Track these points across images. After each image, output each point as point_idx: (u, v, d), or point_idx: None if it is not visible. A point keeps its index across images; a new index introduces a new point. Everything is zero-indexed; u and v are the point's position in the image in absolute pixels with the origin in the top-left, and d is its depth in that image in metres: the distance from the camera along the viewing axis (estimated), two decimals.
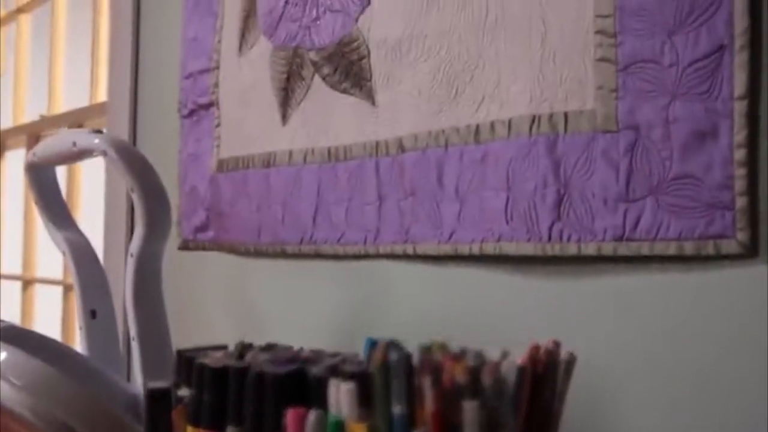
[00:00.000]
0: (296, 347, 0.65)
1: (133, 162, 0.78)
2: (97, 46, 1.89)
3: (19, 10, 2.37)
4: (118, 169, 0.78)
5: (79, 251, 0.95)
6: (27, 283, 2.26)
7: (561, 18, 0.80)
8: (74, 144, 0.82)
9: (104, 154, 0.78)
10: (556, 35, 0.80)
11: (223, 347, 0.61)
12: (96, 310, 0.94)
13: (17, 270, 2.27)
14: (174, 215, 1.36)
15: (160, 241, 0.81)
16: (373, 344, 0.50)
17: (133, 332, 0.82)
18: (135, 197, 0.78)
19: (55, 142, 0.88)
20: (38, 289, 2.24)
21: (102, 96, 1.71)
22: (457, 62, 0.90)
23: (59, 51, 2.15)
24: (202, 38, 1.32)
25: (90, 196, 1.92)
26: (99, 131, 0.81)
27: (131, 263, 0.81)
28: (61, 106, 2.14)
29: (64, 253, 0.96)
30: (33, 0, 2.32)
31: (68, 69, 2.15)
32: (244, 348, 0.59)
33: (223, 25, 1.28)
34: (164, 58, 1.46)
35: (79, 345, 0.95)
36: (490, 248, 0.85)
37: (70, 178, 1.95)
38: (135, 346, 0.82)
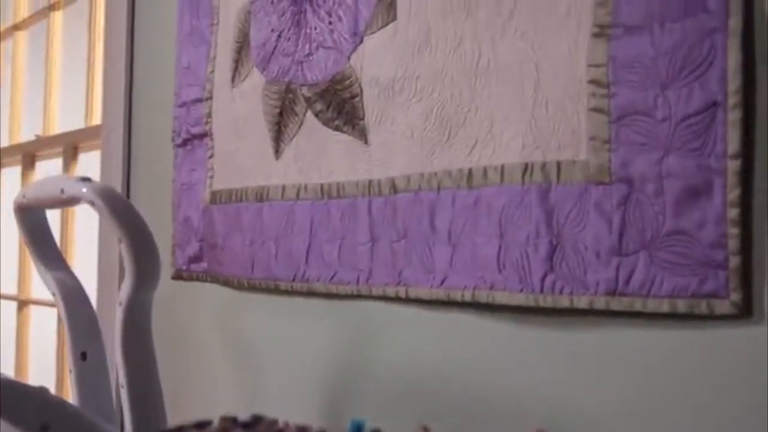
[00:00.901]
0: (282, 420, 0.64)
1: (121, 212, 0.77)
2: (93, 67, 1.88)
3: (16, 27, 2.36)
4: (106, 219, 0.77)
5: (69, 292, 0.95)
6: (22, 303, 2.25)
7: (554, 65, 0.79)
8: (62, 191, 0.81)
9: (92, 204, 0.77)
10: (549, 82, 0.79)
11: (207, 423, 0.60)
12: (86, 353, 0.94)
13: (13, 290, 2.26)
14: (168, 244, 1.36)
15: (149, 290, 0.80)
16: (357, 429, 0.49)
17: (122, 381, 0.81)
18: (123, 247, 0.77)
19: (44, 186, 0.87)
20: (33, 310, 2.23)
21: (98, 118, 1.70)
22: (449, 105, 0.89)
23: (55, 69, 2.15)
24: (195, 67, 1.32)
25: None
26: (87, 178, 0.80)
27: (120, 312, 0.80)
28: (57, 126, 2.13)
29: (53, 294, 0.95)
30: (30, 17, 2.31)
31: (64, 88, 2.14)
32: (225, 424, 0.58)
33: (216, 55, 1.27)
34: (158, 84, 1.46)
35: (70, 387, 0.94)
36: (482, 296, 0.84)
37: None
38: (124, 394, 0.81)
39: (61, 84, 2.16)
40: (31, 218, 0.93)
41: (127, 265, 0.78)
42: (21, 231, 0.95)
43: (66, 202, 0.84)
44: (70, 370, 0.93)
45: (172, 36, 1.39)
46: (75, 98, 2.03)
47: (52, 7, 2.14)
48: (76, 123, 1.97)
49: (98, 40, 1.85)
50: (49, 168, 2.09)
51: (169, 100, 1.39)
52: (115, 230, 0.77)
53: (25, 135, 2.26)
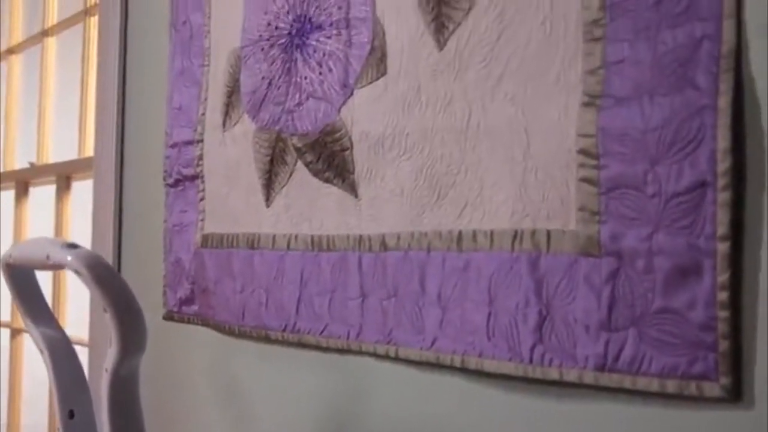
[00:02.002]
0: None
1: (106, 282, 0.77)
2: (86, 98, 1.87)
3: (10, 51, 2.35)
4: (91, 288, 0.76)
5: (57, 348, 0.94)
6: (15, 332, 2.24)
7: (543, 132, 0.78)
8: (48, 257, 0.80)
9: (76, 272, 0.76)
10: (539, 149, 0.79)
11: None
12: (74, 411, 0.93)
13: (6, 317, 2.24)
14: (159, 284, 1.36)
15: (134, 358, 0.80)
16: None
17: None
18: (108, 316, 0.76)
19: (30, 249, 0.87)
20: (27, 338, 2.22)
21: (91, 149, 1.69)
22: (439, 164, 0.89)
23: (49, 96, 2.14)
24: (186, 107, 1.31)
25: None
26: (74, 245, 0.79)
27: (106, 378, 0.80)
28: (51, 152, 2.12)
29: (41, 351, 0.94)
30: (24, 41, 2.30)
31: (59, 113, 2.13)
32: None
33: (207, 97, 1.26)
34: (150, 121, 1.45)
35: None
36: (471, 362, 0.83)
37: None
38: None
39: (56, 109, 2.16)
40: (18, 275, 0.93)
41: (113, 334, 0.78)
42: (8, 288, 0.94)
43: (51, 267, 0.83)
44: (59, 429, 0.93)
45: (164, 73, 1.38)
46: (69, 124, 2.02)
47: (45, 33, 2.13)
48: (71, 150, 1.96)
49: (91, 69, 1.85)
50: (42, 195, 2.08)
51: (160, 137, 1.38)
52: (100, 300, 0.76)
53: (20, 160, 2.26)
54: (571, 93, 0.76)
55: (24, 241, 0.92)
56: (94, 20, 1.86)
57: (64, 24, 2.05)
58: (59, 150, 2.11)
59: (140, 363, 0.83)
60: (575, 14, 0.76)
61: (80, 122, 1.90)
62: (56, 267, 0.82)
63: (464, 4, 0.86)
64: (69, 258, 0.77)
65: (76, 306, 1.85)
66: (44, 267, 0.85)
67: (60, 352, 0.94)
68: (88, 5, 1.90)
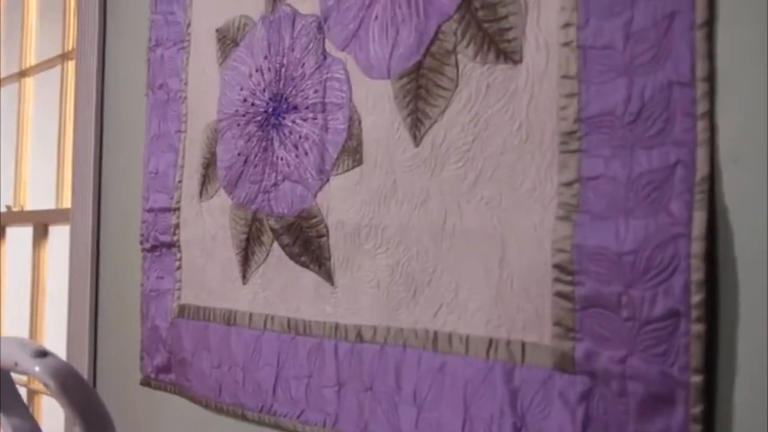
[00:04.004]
0: None
1: (75, 396, 0.76)
2: (64, 146, 1.85)
3: None
4: (60, 402, 0.75)
5: None
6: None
7: (519, 241, 0.78)
8: (16, 364, 0.79)
9: (45, 384, 0.75)
10: (514, 258, 0.78)
11: None
12: None
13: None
14: (136, 348, 1.34)
15: None
16: None
17: None
18: (77, 431, 0.75)
19: (1, 350, 0.85)
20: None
21: (68, 200, 1.68)
22: (415, 262, 0.88)
23: (26, 137, 2.12)
24: (163, 173, 1.30)
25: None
26: (43, 353, 0.78)
27: None
28: (28, 194, 2.10)
29: None
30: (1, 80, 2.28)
31: (36, 155, 2.11)
32: None
33: (183, 164, 1.25)
34: (127, 182, 1.44)
35: None
36: None
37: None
38: None
39: (34, 149, 2.13)
40: None
41: None
42: None
43: (21, 373, 0.82)
44: None
45: (142, 132, 1.37)
46: (48, 164, 2.00)
47: (23, 74, 2.11)
48: (49, 192, 1.94)
49: (69, 117, 1.83)
50: (20, 237, 2.06)
51: (137, 197, 1.37)
52: (69, 413, 0.75)
53: None
54: (547, 205, 0.76)
55: None
56: (72, 65, 1.84)
57: (42, 66, 2.03)
58: (37, 191, 2.09)
59: None
60: (551, 124, 0.76)
61: (58, 167, 1.88)
62: (25, 374, 0.81)
63: (440, 102, 0.86)
64: (37, 369, 0.76)
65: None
66: (13, 371, 0.84)
67: None
68: (65, 50, 1.89)
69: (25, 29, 2.12)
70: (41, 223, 1.86)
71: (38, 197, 2.09)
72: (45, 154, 2.05)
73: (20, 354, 0.79)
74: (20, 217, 2.02)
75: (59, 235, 1.89)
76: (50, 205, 1.96)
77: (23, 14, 2.15)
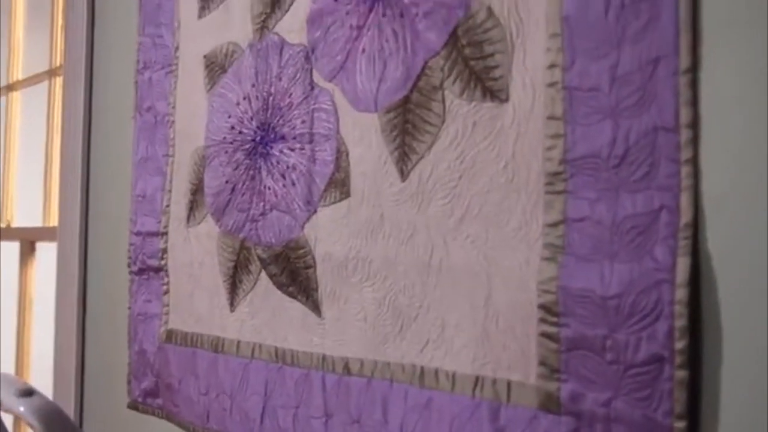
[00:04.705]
0: None
1: None
2: (51, 164, 1.85)
3: None
4: None
5: None
6: None
7: (505, 280, 0.78)
8: (0, 403, 0.79)
9: (29, 425, 0.75)
10: (500, 297, 0.79)
11: None
12: None
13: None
14: (123, 371, 1.34)
15: None
16: None
17: None
18: None
19: None
20: None
21: (55, 218, 1.67)
22: (402, 297, 0.88)
23: (13, 154, 2.11)
24: (150, 197, 1.30)
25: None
26: (29, 392, 0.77)
27: None
28: (16, 208, 2.10)
29: None
30: None
31: (23, 170, 2.10)
32: None
33: (171, 189, 1.25)
34: (115, 204, 1.43)
35: None
36: None
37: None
38: None
39: (21, 163, 2.13)
40: None
41: None
42: None
43: (6, 411, 0.82)
44: None
45: (129, 154, 1.37)
46: (35, 179, 2.00)
47: (10, 87, 2.10)
48: (35, 209, 1.94)
49: (56, 133, 1.82)
50: (6, 253, 2.05)
51: (125, 218, 1.37)
52: None
53: None
54: (533, 245, 0.76)
55: None
56: (59, 81, 1.84)
57: (29, 81, 2.03)
58: (24, 204, 2.08)
59: None
60: (537, 164, 0.76)
61: (45, 182, 1.88)
62: (9, 413, 0.81)
63: (427, 138, 0.86)
64: (22, 409, 0.75)
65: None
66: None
67: None
68: (53, 66, 1.88)
69: (12, 43, 2.11)
70: (28, 240, 1.85)
71: (24, 210, 2.09)
72: (32, 168, 2.05)
73: (5, 392, 0.79)
74: (6, 233, 2.01)
75: (46, 250, 1.88)
76: (37, 218, 1.95)
77: (10, 27, 2.14)
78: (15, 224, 2.07)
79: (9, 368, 1.96)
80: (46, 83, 1.95)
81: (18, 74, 2.09)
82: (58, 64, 1.86)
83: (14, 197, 2.11)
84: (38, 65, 1.99)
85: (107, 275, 1.46)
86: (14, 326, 1.97)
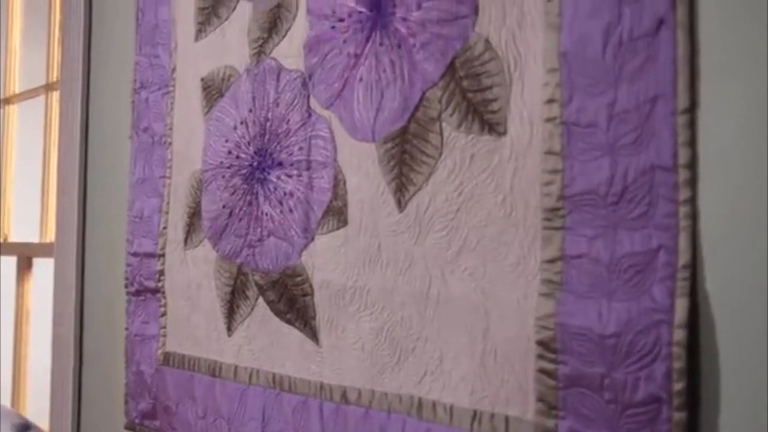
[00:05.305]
0: None
1: None
2: (48, 179, 1.84)
3: None
4: None
5: None
6: None
7: (503, 315, 0.78)
8: None
9: None
10: (498, 331, 0.79)
11: None
12: None
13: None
14: (120, 392, 1.34)
15: None
16: None
17: None
18: None
19: None
20: None
21: (52, 234, 1.67)
22: (400, 327, 0.88)
23: (10, 167, 2.10)
24: (147, 218, 1.29)
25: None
26: (26, 426, 0.77)
27: None
28: (12, 223, 2.09)
29: None
30: None
31: (20, 184, 2.10)
32: None
33: (168, 210, 1.25)
34: (112, 225, 1.43)
35: None
36: None
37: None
38: None
39: (18, 174, 2.12)
40: None
41: None
42: None
43: None
44: None
45: (126, 174, 1.36)
46: (32, 193, 1.99)
47: (6, 101, 2.10)
48: (32, 222, 1.93)
49: (53, 147, 1.82)
50: (3, 266, 2.05)
51: (120, 240, 1.37)
52: None
53: None
54: (531, 280, 0.76)
55: None
56: (56, 95, 1.83)
57: (26, 94, 2.02)
58: (21, 218, 2.08)
59: None
60: (535, 198, 0.76)
61: (42, 196, 1.87)
62: None
63: (424, 169, 0.86)
64: None
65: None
66: None
67: None
68: (49, 80, 1.88)
69: (9, 56, 2.11)
70: (24, 256, 1.85)
71: (21, 222, 2.08)
72: (28, 181, 2.04)
73: (3, 426, 0.79)
74: (4, 248, 2.00)
75: (44, 265, 1.88)
76: (34, 229, 1.94)
77: (7, 40, 2.13)
78: (12, 237, 2.07)
79: (6, 382, 1.95)
80: (42, 97, 1.94)
81: (15, 88, 2.09)
82: (55, 78, 1.86)
83: (11, 211, 2.11)
84: (35, 78, 1.99)
85: (104, 295, 1.46)
86: (11, 340, 1.97)
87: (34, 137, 2.03)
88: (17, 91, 2.07)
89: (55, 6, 1.89)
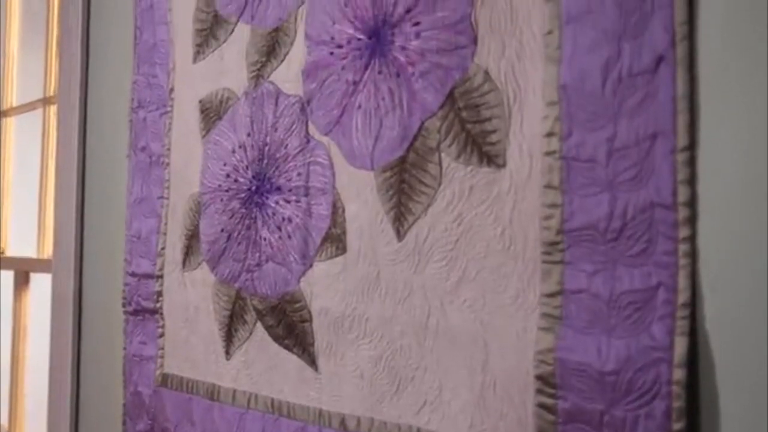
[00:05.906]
0: None
1: None
2: (45, 193, 1.84)
3: None
4: None
5: None
6: None
7: (502, 347, 0.78)
8: None
9: None
10: (497, 364, 0.79)
11: None
12: None
13: None
14: (119, 413, 1.34)
15: None
16: None
17: None
18: None
19: None
20: None
21: (50, 247, 1.66)
22: (399, 356, 0.88)
23: (7, 179, 2.10)
24: (145, 238, 1.29)
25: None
26: None
27: None
28: (9, 237, 2.09)
29: None
30: None
31: (17, 197, 2.09)
32: None
33: (167, 231, 1.25)
34: (110, 244, 1.43)
35: None
36: None
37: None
38: None
39: (16, 187, 2.12)
40: None
41: None
42: None
43: None
44: None
45: (123, 194, 1.36)
46: (30, 206, 1.99)
47: (4, 114, 2.10)
48: (30, 235, 1.93)
49: (50, 162, 1.81)
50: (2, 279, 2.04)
51: (118, 259, 1.36)
52: None
53: None
54: (530, 314, 0.76)
55: None
56: (53, 108, 1.83)
57: (24, 108, 2.02)
58: (18, 231, 2.07)
59: None
60: (534, 232, 0.76)
61: (39, 210, 1.87)
62: None
63: (423, 199, 0.86)
64: None
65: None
66: None
67: None
68: (46, 94, 1.87)
69: (6, 68, 2.10)
70: (22, 271, 1.84)
71: (18, 235, 2.08)
72: (26, 194, 2.04)
73: None
74: (1, 262, 2.00)
75: (41, 280, 1.87)
76: (31, 242, 1.94)
77: (5, 52, 2.13)
78: (9, 251, 2.07)
79: (4, 396, 1.95)
80: (40, 110, 1.94)
81: (12, 100, 2.08)
82: (52, 92, 1.85)
83: (8, 224, 2.10)
84: (32, 90, 1.98)
85: (102, 312, 1.45)
86: (8, 355, 1.96)
87: (31, 150, 2.03)
88: (14, 104, 2.07)
89: (53, 17, 1.88)
